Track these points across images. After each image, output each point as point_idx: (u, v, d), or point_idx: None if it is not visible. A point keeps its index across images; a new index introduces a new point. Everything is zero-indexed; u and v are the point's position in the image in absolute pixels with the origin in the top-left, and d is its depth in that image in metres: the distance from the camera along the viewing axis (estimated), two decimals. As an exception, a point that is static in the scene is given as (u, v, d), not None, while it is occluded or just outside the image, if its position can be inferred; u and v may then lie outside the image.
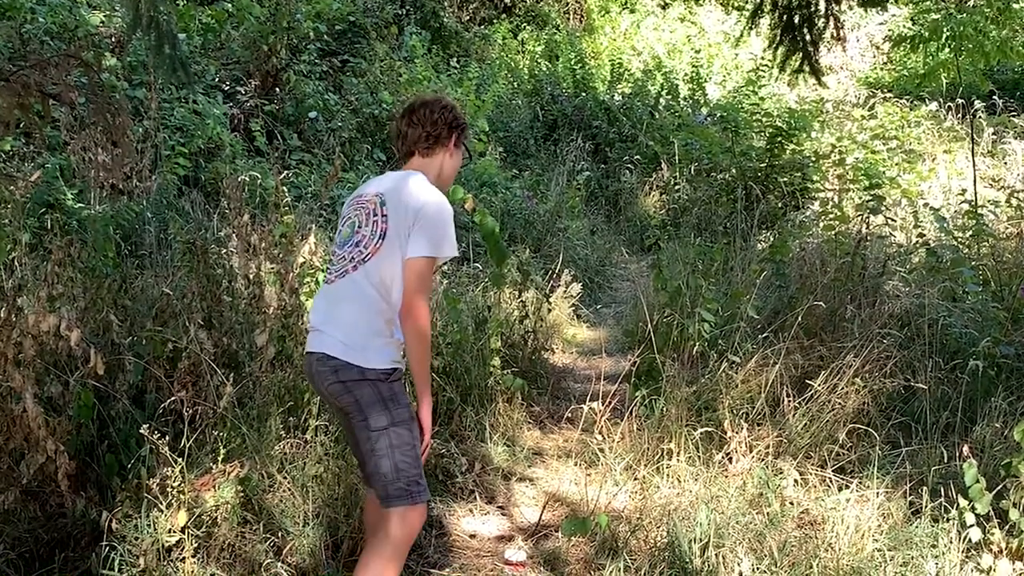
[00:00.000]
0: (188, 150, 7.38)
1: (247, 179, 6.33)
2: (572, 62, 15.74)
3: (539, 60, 16.63)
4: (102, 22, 8.53)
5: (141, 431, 3.28)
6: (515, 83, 15.09)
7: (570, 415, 5.46)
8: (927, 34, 8.64)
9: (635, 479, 4.50)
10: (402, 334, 3.04)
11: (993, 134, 12.58)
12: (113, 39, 8.39)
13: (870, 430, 4.47)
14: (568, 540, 4.06)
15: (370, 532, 3.35)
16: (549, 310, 6.84)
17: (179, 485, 3.29)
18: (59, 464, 3.29)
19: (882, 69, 18.13)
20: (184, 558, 3.23)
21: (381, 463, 2.99)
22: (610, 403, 4.58)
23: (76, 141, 5.95)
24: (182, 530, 3.24)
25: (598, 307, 8.65)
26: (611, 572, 3.73)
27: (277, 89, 9.57)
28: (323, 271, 4.47)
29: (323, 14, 10.93)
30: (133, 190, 6.63)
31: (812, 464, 4.38)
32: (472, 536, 4.24)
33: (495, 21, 17.89)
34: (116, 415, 3.82)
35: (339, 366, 2.96)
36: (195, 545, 3.30)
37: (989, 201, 8.76)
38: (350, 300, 3.02)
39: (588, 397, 4.64)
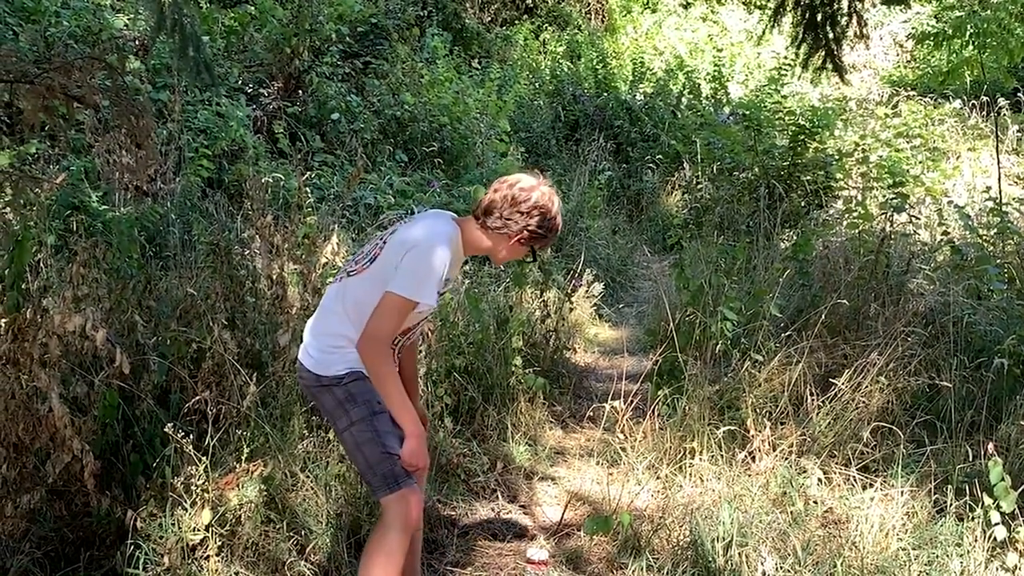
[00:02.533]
0: (212, 152, 7.41)
1: (270, 180, 6.35)
2: (594, 62, 15.72)
3: (560, 60, 16.60)
4: (126, 25, 8.58)
5: (165, 430, 3.31)
6: (537, 83, 15.06)
7: (592, 414, 5.46)
8: (951, 31, 8.57)
9: (657, 478, 4.49)
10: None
11: (1018, 131, 12.50)
12: (137, 42, 8.44)
13: (894, 428, 4.44)
14: (590, 539, 4.07)
15: None
16: (571, 309, 6.83)
17: (203, 484, 3.32)
18: (84, 463, 3.31)
19: (905, 67, 18.02)
20: (208, 556, 3.25)
21: (355, 460, 3.08)
22: (632, 402, 4.58)
23: (100, 144, 5.99)
24: (206, 529, 3.26)
25: (620, 306, 8.63)
26: (634, 571, 3.73)
27: (300, 91, 9.59)
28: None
29: (345, 16, 10.95)
30: (157, 192, 6.66)
31: (836, 463, 4.36)
32: (494, 535, 4.24)
33: (516, 22, 17.90)
34: (141, 415, 3.84)
35: (303, 372, 3.10)
36: (219, 544, 3.32)
37: (1014, 199, 8.69)
38: (326, 310, 3.12)
39: (610, 396, 4.64)
